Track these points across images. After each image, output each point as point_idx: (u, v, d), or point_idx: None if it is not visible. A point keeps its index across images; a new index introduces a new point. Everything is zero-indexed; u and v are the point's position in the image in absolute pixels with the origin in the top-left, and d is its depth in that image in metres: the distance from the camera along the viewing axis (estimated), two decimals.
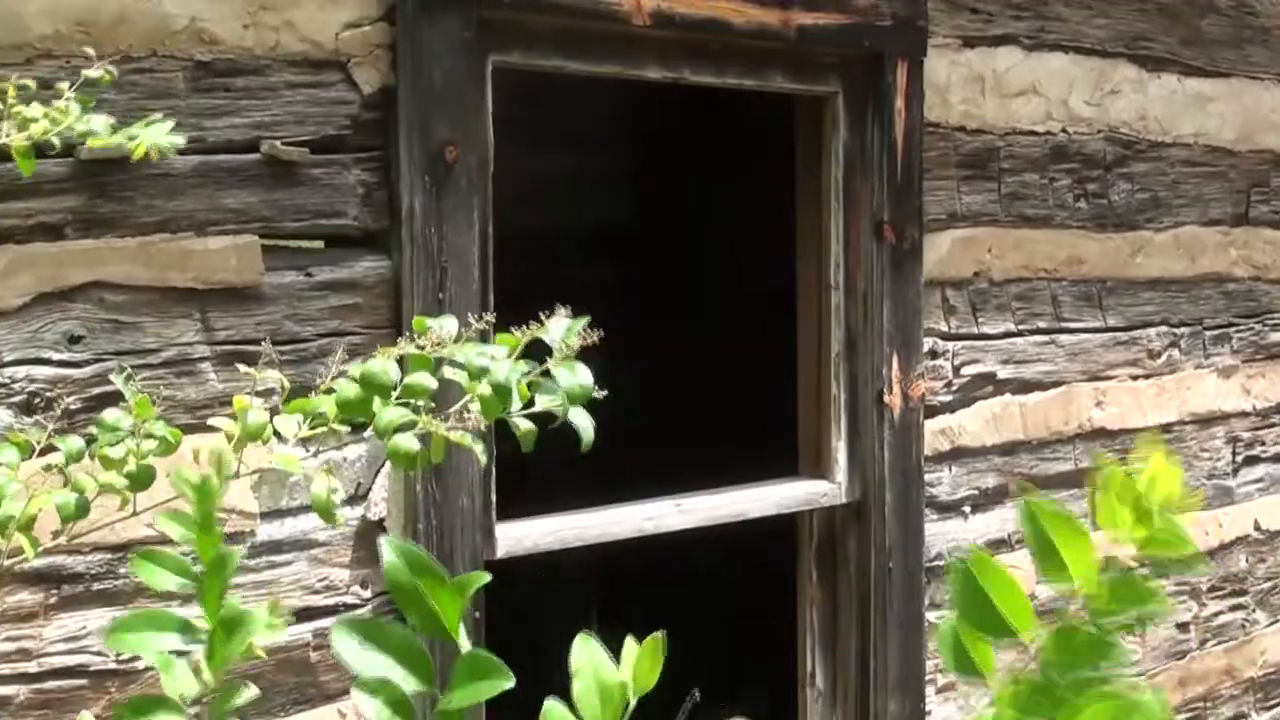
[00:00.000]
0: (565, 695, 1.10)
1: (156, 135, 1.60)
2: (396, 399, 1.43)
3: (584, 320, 1.46)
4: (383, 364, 1.46)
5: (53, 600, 2.32)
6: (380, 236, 2.65)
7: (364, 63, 2.62)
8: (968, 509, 3.68)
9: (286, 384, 1.50)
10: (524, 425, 1.44)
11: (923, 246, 3.47)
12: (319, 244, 2.60)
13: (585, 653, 1.08)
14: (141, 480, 1.49)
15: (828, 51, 3.30)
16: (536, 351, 1.48)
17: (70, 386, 2.32)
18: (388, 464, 2.64)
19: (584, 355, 1.49)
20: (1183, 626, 4.21)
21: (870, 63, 3.36)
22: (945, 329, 3.60)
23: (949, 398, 3.62)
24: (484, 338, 1.50)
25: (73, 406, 2.30)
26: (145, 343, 2.40)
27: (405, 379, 1.46)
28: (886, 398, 3.41)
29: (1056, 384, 3.85)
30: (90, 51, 2.06)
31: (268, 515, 2.53)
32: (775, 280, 3.79)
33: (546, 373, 1.42)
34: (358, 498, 2.63)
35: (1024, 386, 3.78)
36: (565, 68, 2.91)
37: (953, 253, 3.60)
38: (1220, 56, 4.24)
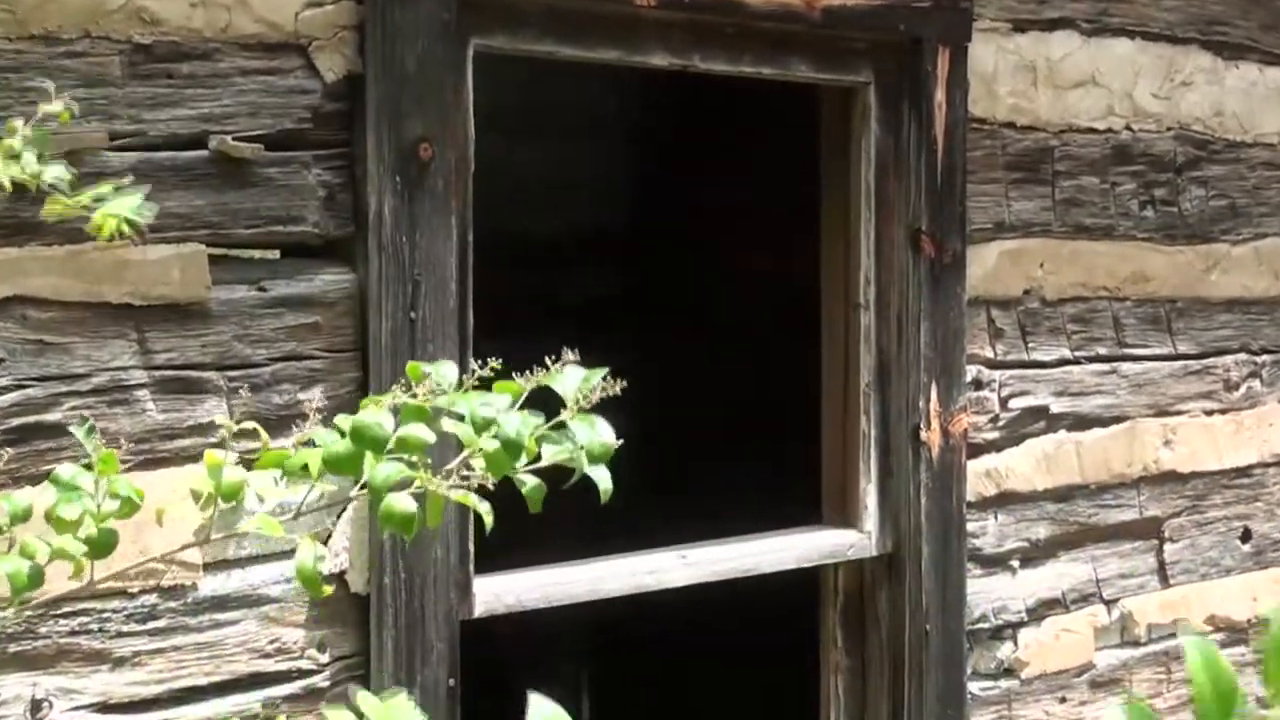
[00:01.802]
0: None
1: (125, 207, 1.63)
2: (388, 454, 1.48)
3: (602, 372, 1.50)
4: (376, 415, 1.49)
5: None
6: (344, 245, 2.68)
7: (327, 47, 2.65)
8: (1016, 563, 3.71)
9: (266, 437, 1.55)
10: (530, 482, 1.48)
11: (965, 260, 3.50)
12: (274, 254, 2.62)
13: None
14: (102, 547, 1.53)
15: (858, 36, 3.33)
16: (536, 397, 1.52)
17: None
18: (349, 508, 2.66)
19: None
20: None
21: (906, 49, 3.39)
22: (991, 355, 3.63)
23: (995, 435, 3.65)
24: (485, 385, 1.54)
25: None
26: (73, 367, 2.43)
27: (399, 432, 1.50)
28: (923, 434, 3.44)
29: (1118, 419, 3.88)
30: (49, 85, 2.00)
31: (212, 566, 2.55)
32: (798, 296, 3.81)
33: (560, 424, 1.47)
34: None
35: (1081, 422, 3.81)
36: (557, 53, 2.94)
37: (1000, 267, 3.63)
38: None
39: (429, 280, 2.71)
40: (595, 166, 5.54)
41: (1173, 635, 4.01)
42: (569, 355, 1.50)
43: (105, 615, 2.46)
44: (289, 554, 2.62)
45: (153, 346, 2.49)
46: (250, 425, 1.65)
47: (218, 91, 2.55)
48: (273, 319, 2.60)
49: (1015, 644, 3.71)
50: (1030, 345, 3.71)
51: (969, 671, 3.59)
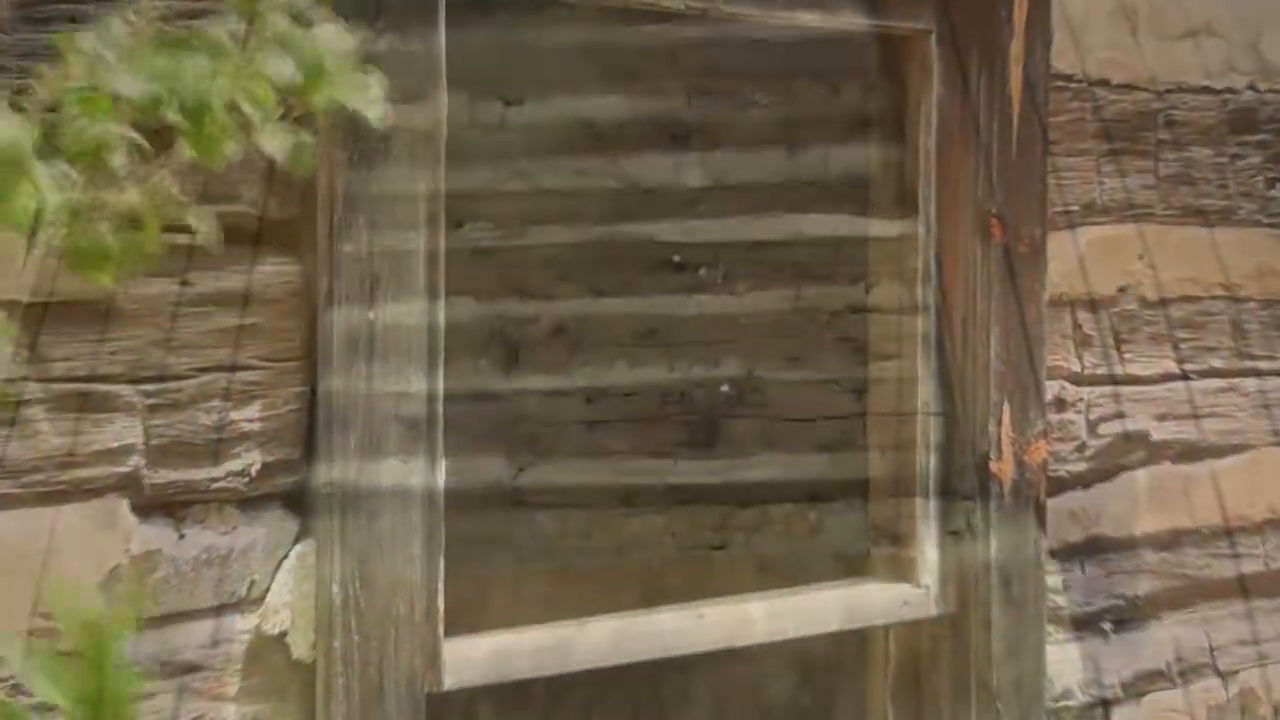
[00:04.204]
0: None
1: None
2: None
3: None
4: (15, 129, 1.29)
5: None
6: (287, 229, 2.68)
7: None
8: (1108, 626, 3.71)
9: None
10: (289, 141, 1.31)
11: (1046, 250, 3.52)
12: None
13: None
14: None
15: None
16: None
17: None
18: (291, 555, 2.67)
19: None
20: None
21: None
22: (1077, 368, 3.64)
23: (1082, 467, 3.66)
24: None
25: None
26: None
27: (69, 138, 1.30)
28: (993, 465, 3.45)
29: (1239, 449, 3.89)
30: None
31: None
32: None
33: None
34: (249, 601, 2.65)
35: (1191, 452, 3.82)
36: None
37: (1089, 259, 3.64)
38: None
39: (391, 272, 2.72)
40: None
41: None
42: None
43: None
44: (215, 611, 2.63)
45: (48, 354, 2.49)
46: None
47: None
48: (198, 320, 2.60)
49: None
50: (1126, 356, 3.72)
51: None
